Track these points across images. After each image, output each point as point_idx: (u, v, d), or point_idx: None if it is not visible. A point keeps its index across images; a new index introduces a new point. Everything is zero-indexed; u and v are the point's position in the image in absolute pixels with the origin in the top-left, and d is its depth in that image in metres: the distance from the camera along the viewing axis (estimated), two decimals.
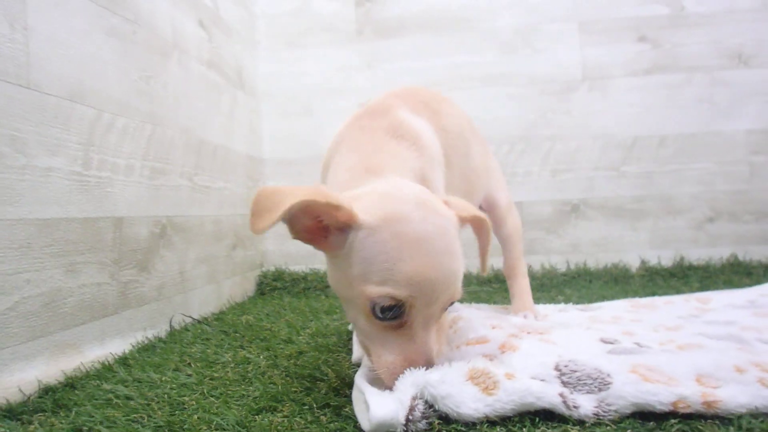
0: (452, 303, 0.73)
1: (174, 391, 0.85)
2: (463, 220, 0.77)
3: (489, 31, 1.92)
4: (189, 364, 1.01)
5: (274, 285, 1.90)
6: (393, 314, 0.68)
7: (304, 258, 1.99)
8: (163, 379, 0.92)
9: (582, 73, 1.89)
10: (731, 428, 0.61)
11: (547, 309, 1.31)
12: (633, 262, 1.87)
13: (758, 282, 1.60)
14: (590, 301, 1.52)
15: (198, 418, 0.73)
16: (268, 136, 2.00)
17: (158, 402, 0.80)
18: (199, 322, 1.39)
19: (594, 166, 1.89)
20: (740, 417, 0.63)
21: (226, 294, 1.65)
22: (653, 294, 1.55)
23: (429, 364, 0.69)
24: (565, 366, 0.70)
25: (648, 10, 1.86)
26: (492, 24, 1.92)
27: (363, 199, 0.72)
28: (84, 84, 1.03)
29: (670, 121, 1.86)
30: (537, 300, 1.46)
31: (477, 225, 0.81)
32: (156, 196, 1.27)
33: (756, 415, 0.63)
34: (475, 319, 1.01)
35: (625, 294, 1.60)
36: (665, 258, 1.86)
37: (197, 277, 1.46)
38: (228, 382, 0.89)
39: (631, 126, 1.88)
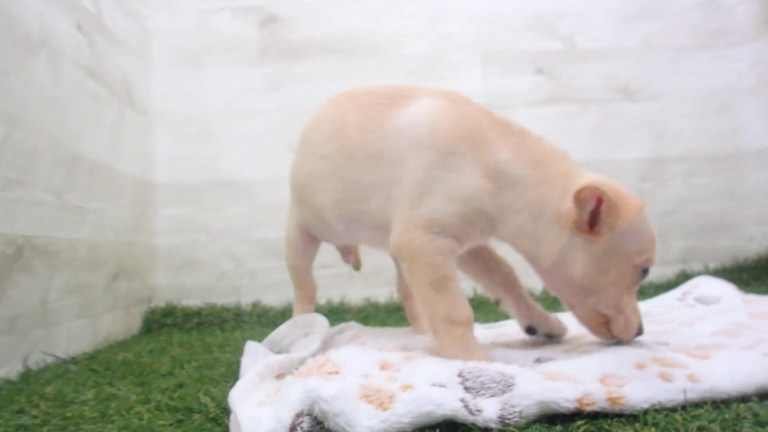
0: None
1: None
2: None
3: (396, 57, 1.92)
4: (37, 404, 0.84)
5: (164, 321, 1.70)
6: (644, 277, 0.83)
7: (200, 291, 1.82)
8: None
9: (486, 102, 1.92)
10: (637, 425, 0.59)
11: None
12: (536, 289, 1.88)
13: None
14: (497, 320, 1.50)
15: None
16: (162, 159, 1.84)
17: None
18: (64, 360, 1.19)
19: None
20: (645, 412, 0.62)
21: (103, 330, 1.45)
22: None
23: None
24: (469, 372, 0.66)
25: (543, 45, 1.96)
26: (399, 51, 1.93)
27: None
28: None
29: (568, 149, 1.90)
30: None
31: None
32: (11, 210, 1.08)
33: (659, 409, 0.62)
34: (380, 337, 0.93)
35: None
36: None
37: (65, 309, 1.26)
38: (81, 421, 0.74)
39: None
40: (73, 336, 1.29)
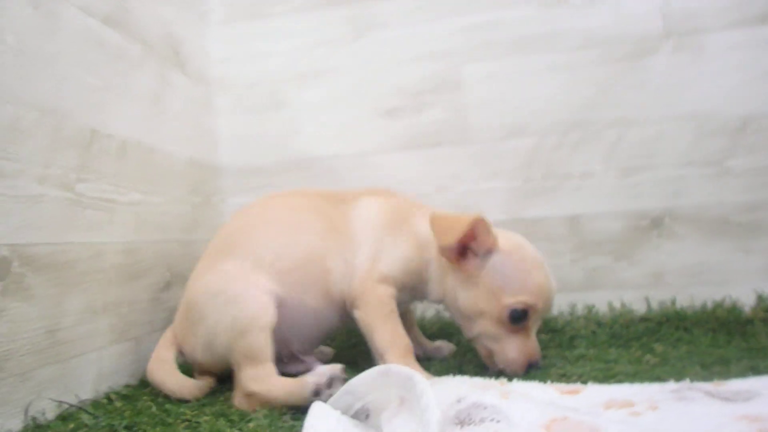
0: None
1: None
2: None
3: None
4: None
5: None
6: (521, 319, 0.91)
7: None
8: None
9: (663, 27, 1.33)
10: None
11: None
12: (745, 299, 1.28)
13: None
14: (706, 366, 0.94)
15: None
16: (226, 136, 1.51)
17: None
18: (78, 408, 0.88)
19: (684, 161, 1.32)
20: None
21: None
22: None
23: (539, 358, 0.95)
24: None
25: None
26: None
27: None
28: None
29: None
30: (607, 364, 0.95)
31: None
32: None
33: None
34: None
35: (748, 352, 1.03)
36: None
37: (89, 336, 0.96)
38: None
39: (739, 101, 1.30)
40: (106, 368, 1.00)
